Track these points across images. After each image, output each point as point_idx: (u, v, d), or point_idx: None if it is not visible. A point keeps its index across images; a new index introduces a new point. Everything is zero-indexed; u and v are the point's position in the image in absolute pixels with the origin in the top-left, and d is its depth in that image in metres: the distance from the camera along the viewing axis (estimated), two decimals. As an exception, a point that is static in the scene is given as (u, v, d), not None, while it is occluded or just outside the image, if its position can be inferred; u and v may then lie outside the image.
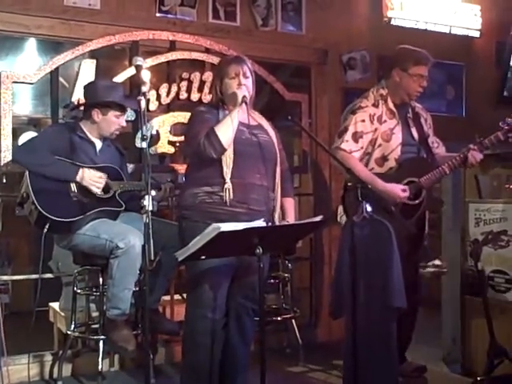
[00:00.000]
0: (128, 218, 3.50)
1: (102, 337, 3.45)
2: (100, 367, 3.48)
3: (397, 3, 5.02)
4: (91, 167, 3.39)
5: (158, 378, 3.74)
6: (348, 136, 3.53)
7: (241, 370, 3.19)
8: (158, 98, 4.05)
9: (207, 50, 4.26)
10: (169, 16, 4.24)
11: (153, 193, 3.37)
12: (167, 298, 4.02)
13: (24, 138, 5.29)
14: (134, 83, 3.85)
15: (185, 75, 4.14)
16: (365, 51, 4.91)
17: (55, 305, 4.23)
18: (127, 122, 3.75)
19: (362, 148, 3.55)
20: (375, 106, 3.59)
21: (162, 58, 4.12)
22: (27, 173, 3.27)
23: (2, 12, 3.78)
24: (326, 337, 4.63)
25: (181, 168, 4.14)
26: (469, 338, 3.85)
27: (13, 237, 5.60)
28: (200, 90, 4.16)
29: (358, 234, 3.00)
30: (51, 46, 4.82)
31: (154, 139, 4.06)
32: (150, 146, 3.83)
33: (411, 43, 3.71)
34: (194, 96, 4.16)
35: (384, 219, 3.06)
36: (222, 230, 2.46)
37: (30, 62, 5.04)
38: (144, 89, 2.72)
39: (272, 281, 4.19)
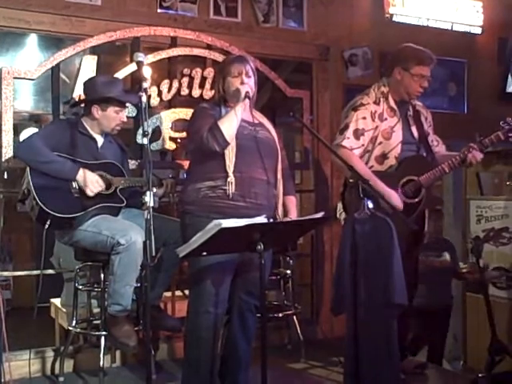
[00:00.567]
0: (129, 214, 3.50)
1: (104, 333, 3.45)
2: (101, 363, 3.47)
3: (398, 0, 5.01)
4: (93, 164, 3.39)
5: (159, 374, 3.75)
6: (349, 133, 3.52)
7: (243, 366, 3.20)
8: (160, 94, 4.05)
9: (208, 46, 4.26)
10: (170, 12, 4.24)
11: (154, 189, 3.40)
12: (168, 294, 4.03)
13: (25, 134, 5.29)
14: (135, 79, 3.84)
15: (186, 71, 4.14)
16: (366, 48, 4.90)
17: (57, 301, 4.24)
18: (128, 117, 3.75)
19: (362, 145, 3.54)
20: (376, 103, 3.58)
21: (163, 54, 4.12)
22: (28, 169, 3.27)
23: (3, 8, 3.78)
24: (327, 333, 4.63)
25: (182, 164, 4.14)
26: (470, 334, 3.86)
27: (14, 233, 5.61)
28: (201, 86, 4.16)
29: (359, 231, 3.00)
30: (52, 41, 4.82)
31: (156, 135, 4.06)
32: (150, 141, 3.83)
33: (413, 40, 3.70)
34: (195, 92, 4.15)
35: (385, 216, 3.06)
36: (223, 226, 2.46)
37: (31, 58, 5.04)
38: (145, 85, 2.72)
39: (273, 277, 4.19)
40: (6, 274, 4.70)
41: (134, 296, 3.43)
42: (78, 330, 3.69)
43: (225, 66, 3.15)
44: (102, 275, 3.48)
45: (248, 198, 2.98)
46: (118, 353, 3.95)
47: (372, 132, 3.54)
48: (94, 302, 3.93)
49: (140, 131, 3.80)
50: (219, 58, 4.22)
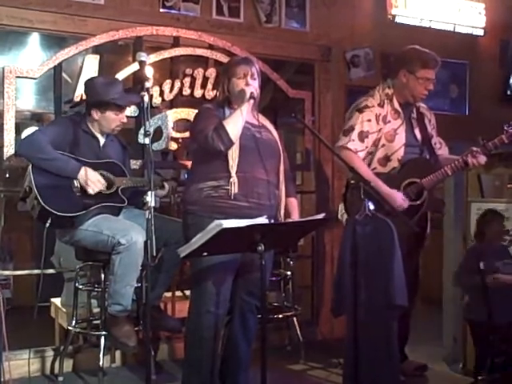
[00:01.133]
0: (130, 213, 3.50)
1: (104, 333, 3.45)
2: (101, 363, 3.47)
3: (401, 1, 5.01)
4: (94, 163, 3.39)
5: (159, 374, 3.75)
6: (354, 135, 3.51)
7: (243, 367, 3.21)
8: (161, 93, 4.05)
9: (211, 46, 4.25)
10: (172, 12, 4.24)
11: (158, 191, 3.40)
12: (169, 294, 4.02)
13: (27, 133, 5.28)
14: (138, 79, 3.84)
15: (188, 71, 4.14)
16: (368, 49, 4.90)
17: (57, 300, 4.23)
18: (130, 117, 3.74)
19: (366, 148, 3.54)
20: (380, 105, 3.58)
21: (166, 54, 4.11)
22: (30, 167, 3.26)
23: (5, 6, 3.77)
24: (327, 335, 4.63)
25: (184, 164, 4.14)
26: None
27: (15, 232, 5.60)
28: (203, 86, 4.16)
29: (360, 232, 3.00)
30: (54, 40, 4.81)
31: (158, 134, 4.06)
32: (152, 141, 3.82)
33: (415, 41, 3.70)
34: (197, 92, 4.15)
35: (386, 217, 3.06)
36: (224, 226, 2.46)
37: (33, 57, 5.03)
38: (147, 84, 2.72)
39: (274, 278, 4.18)
40: (6, 273, 4.69)
41: (134, 296, 3.43)
42: (78, 329, 3.69)
43: (230, 67, 3.15)
44: (103, 275, 3.48)
45: (251, 197, 2.99)
46: (117, 353, 3.95)
47: (376, 134, 3.54)
48: (94, 301, 3.93)
49: (142, 131, 3.79)
50: (221, 58, 4.23)
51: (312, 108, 4.68)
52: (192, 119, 4.06)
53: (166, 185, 3.61)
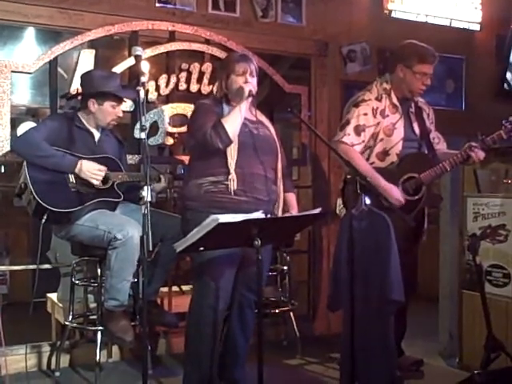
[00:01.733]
0: (126, 208, 3.50)
1: (100, 328, 3.45)
2: (98, 358, 3.47)
3: (397, -4, 5.01)
4: (90, 158, 3.38)
5: (156, 369, 3.75)
6: (350, 129, 3.52)
7: (240, 362, 3.22)
8: (157, 88, 4.04)
9: (207, 41, 4.25)
10: (168, 6, 4.22)
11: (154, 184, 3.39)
12: (165, 289, 4.02)
13: (23, 128, 5.28)
14: (133, 73, 3.83)
15: (184, 66, 4.13)
16: (365, 43, 4.89)
17: (53, 295, 4.23)
18: (126, 112, 3.73)
19: (363, 141, 3.54)
20: (378, 99, 3.58)
21: (162, 49, 4.10)
22: (25, 163, 3.26)
23: (0, 1, 3.75)
24: (323, 330, 4.64)
25: (180, 159, 4.13)
26: (466, 332, 3.85)
27: (11, 227, 5.60)
28: (199, 81, 4.15)
29: (356, 227, 3.00)
30: (50, 35, 4.79)
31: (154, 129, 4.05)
32: (148, 136, 3.81)
33: (411, 36, 3.70)
34: (193, 87, 4.14)
35: (383, 212, 3.06)
36: (220, 221, 2.46)
37: (28, 52, 5.01)
38: (143, 79, 2.72)
39: (270, 273, 4.19)
40: (2, 268, 4.69)
41: (130, 291, 3.43)
42: (75, 324, 3.69)
43: (229, 63, 3.15)
44: (99, 270, 3.48)
45: (249, 192, 3.01)
46: (114, 348, 3.95)
47: (373, 128, 3.54)
48: (90, 296, 3.92)
49: (138, 126, 3.79)
50: (217, 52, 4.22)
51: (308, 103, 4.67)
52: (188, 114, 4.10)
53: (163, 177, 3.61)
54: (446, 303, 4.24)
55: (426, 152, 3.66)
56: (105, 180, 3.40)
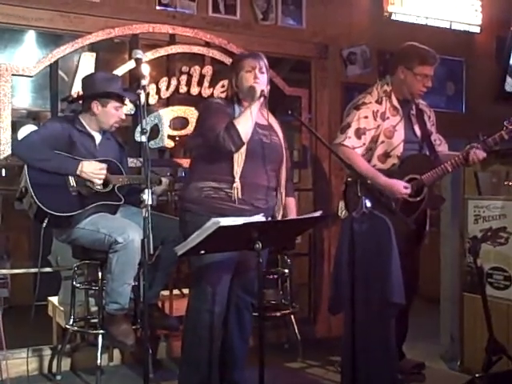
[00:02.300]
0: (127, 212, 3.49)
1: (101, 331, 3.45)
2: (99, 362, 3.47)
3: (397, -2, 5.01)
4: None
5: (157, 373, 3.75)
6: (351, 132, 3.52)
7: (238, 364, 3.21)
8: (158, 91, 4.04)
9: (207, 44, 4.25)
10: (169, 9, 4.22)
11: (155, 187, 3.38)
12: (166, 292, 4.02)
13: (23, 131, 5.28)
14: (134, 76, 3.83)
15: (184, 69, 4.13)
16: (365, 46, 4.89)
17: (54, 299, 4.23)
18: (127, 115, 3.74)
19: (364, 144, 3.54)
20: (378, 102, 3.58)
21: (162, 52, 4.11)
22: (26, 167, 3.26)
23: (1, 4, 3.75)
24: (324, 333, 4.64)
25: (181, 162, 4.13)
26: (467, 335, 3.85)
27: (12, 230, 5.60)
28: (200, 83, 4.15)
29: (357, 230, 3.00)
30: (51, 38, 4.80)
31: (155, 132, 4.05)
32: (149, 139, 3.82)
33: (411, 38, 3.70)
34: (194, 90, 4.14)
35: (384, 215, 3.06)
36: (221, 224, 2.45)
37: (29, 55, 5.02)
38: (144, 82, 2.72)
39: (271, 276, 4.18)
40: (3, 271, 4.68)
41: (131, 295, 3.42)
42: (76, 328, 3.69)
43: (238, 61, 3.14)
44: (100, 273, 3.48)
45: (250, 201, 2.99)
46: (115, 351, 3.95)
47: (374, 131, 3.54)
48: (91, 300, 3.92)
49: (138, 129, 3.79)
50: (218, 55, 4.22)
51: (309, 105, 4.67)
52: (189, 117, 4.10)
53: (163, 179, 3.61)
54: (447, 306, 4.24)
55: (428, 153, 3.66)
56: (105, 183, 3.40)
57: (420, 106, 3.72)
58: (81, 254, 3.54)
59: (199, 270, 3.01)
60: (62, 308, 4.04)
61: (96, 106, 3.43)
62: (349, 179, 3.55)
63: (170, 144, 4.11)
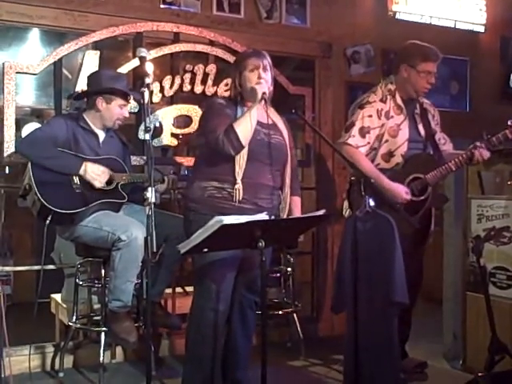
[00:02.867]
0: (131, 209, 3.50)
1: (104, 328, 3.45)
2: (101, 359, 3.48)
3: (402, -3, 5.01)
4: (94, 159, 3.38)
5: (160, 370, 3.75)
6: (355, 131, 3.51)
7: (242, 363, 3.21)
8: (162, 89, 4.04)
9: (211, 42, 4.25)
10: (173, 7, 4.23)
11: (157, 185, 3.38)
12: (169, 290, 4.02)
13: (27, 128, 5.28)
14: (138, 75, 3.84)
15: (188, 67, 4.13)
16: (369, 45, 4.89)
17: (57, 296, 4.23)
18: (130, 113, 3.74)
19: (368, 143, 3.54)
20: (383, 101, 3.58)
21: (166, 50, 4.11)
22: (30, 164, 3.26)
23: (5, 2, 3.77)
24: (327, 331, 4.64)
25: (184, 160, 4.13)
26: (470, 334, 3.85)
27: (15, 228, 5.60)
28: (203, 82, 4.15)
29: (360, 229, 3.00)
30: (55, 36, 4.80)
31: (158, 131, 4.05)
32: (153, 138, 3.81)
33: (416, 37, 3.70)
34: (198, 88, 4.14)
35: (387, 214, 3.06)
36: (224, 222, 2.45)
37: (33, 53, 5.02)
38: (147, 80, 2.72)
39: (274, 275, 4.18)
40: (6, 269, 4.68)
41: (134, 292, 3.43)
42: (79, 325, 3.69)
43: (241, 60, 3.11)
44: (103, 271, 3.49)
45: (253, 201, 2.98)
46: (118, 349, 3.96)
47: (378, 130, 3.54)
48: (94, 297, 3.93)
49: (142, 127, 3.80)
50: (222, 54, 4.23)
51: (312, 104, 4.68)
52: (192, 115, 4.11)
53: (166, 178, 3.61)
54: (450, 305, 4.23)
55: (432, 153, 3.66)
56: (109, 181, 3.41)
57: (424, 104, 3.72)
58: (84, 252, 3.55)
59: (203, 267, 3.01)
60: (64, 305, 4.04)
61: (100, 103, 3.43)
62: (352, 178, 3.55)
63: (173, 142, 4.12)
